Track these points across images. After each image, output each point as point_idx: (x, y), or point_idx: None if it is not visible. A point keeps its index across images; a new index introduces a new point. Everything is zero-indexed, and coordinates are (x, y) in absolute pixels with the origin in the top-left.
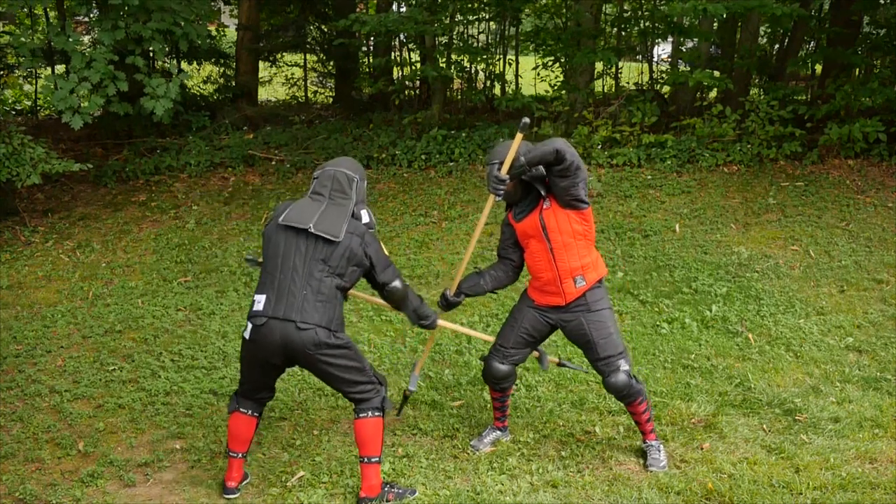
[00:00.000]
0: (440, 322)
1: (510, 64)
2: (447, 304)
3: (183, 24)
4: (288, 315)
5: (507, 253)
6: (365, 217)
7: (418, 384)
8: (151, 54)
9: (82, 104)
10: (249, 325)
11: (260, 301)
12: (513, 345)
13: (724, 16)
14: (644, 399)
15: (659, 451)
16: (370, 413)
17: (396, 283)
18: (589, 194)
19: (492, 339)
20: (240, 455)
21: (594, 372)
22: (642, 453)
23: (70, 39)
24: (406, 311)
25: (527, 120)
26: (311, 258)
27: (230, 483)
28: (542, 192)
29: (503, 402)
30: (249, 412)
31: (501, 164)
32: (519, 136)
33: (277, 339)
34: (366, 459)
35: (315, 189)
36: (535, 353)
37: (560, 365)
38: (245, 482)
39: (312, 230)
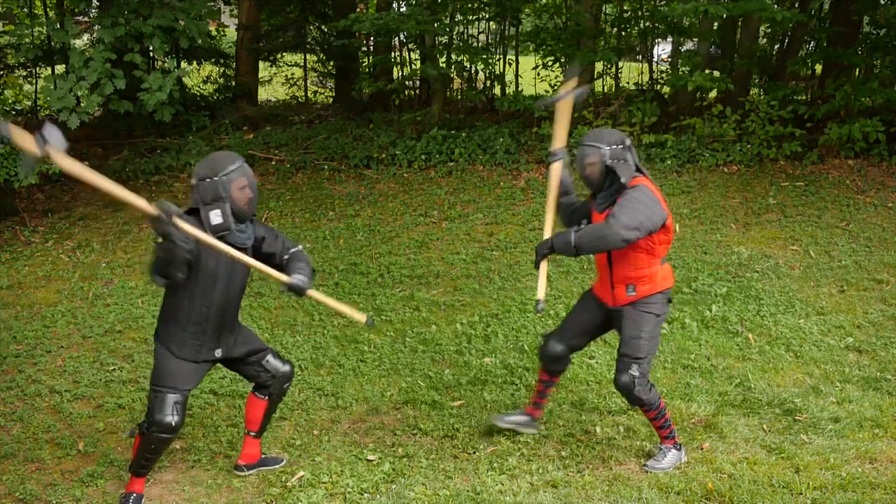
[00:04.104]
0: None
1: (510, 64)
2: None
3: (184, 20)
4: None
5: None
6: (214, 219)
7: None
8: (151, 52)
9: (81, 103)
10: None
11: None
12: (570, 329)
13: (725, 16)
14: (652, 409)
15: (664, 455)
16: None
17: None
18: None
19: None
20: (250, 433)
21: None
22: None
23: (68, 33)
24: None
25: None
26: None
27: (239, 460)
28: (624, 184)
29: (546, 387)
30: (257, 394)
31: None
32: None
33: None
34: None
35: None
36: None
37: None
38: (255, 467)
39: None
